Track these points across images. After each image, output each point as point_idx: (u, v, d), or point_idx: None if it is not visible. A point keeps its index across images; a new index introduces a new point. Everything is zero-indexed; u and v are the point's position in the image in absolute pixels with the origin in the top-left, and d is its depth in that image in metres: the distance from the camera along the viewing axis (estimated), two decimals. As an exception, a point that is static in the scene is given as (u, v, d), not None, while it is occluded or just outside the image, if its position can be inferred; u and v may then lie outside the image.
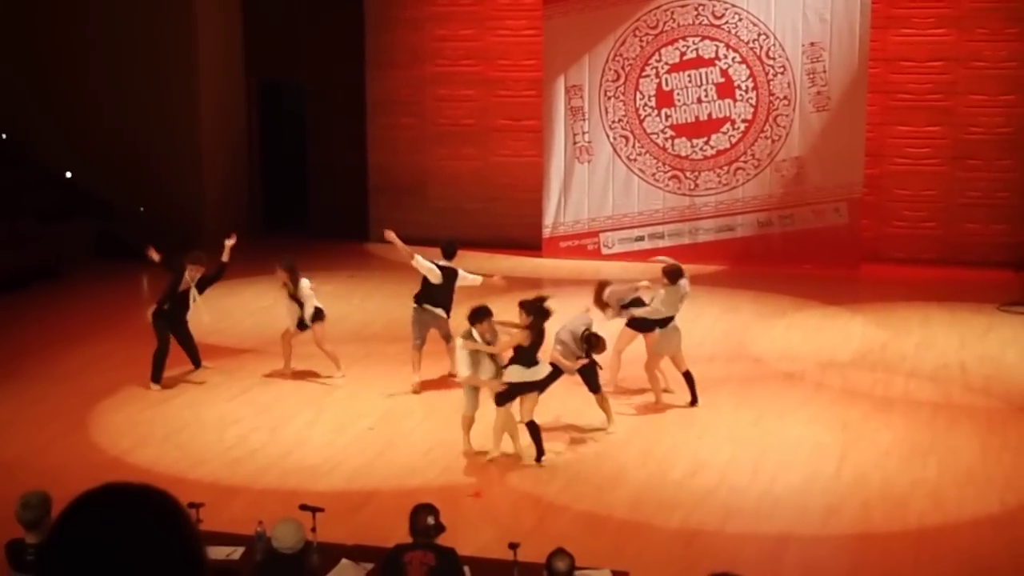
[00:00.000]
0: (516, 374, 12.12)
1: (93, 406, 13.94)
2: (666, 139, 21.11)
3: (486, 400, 12.34)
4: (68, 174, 22.43)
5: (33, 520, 7.78)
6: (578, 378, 12.86)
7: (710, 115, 20.95)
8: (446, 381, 14.66)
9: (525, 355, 12.16)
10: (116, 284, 19.72)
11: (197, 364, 14.98)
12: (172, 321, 14.63)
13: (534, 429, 12.12)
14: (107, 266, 20.58)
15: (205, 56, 22.43)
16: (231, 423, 13.32)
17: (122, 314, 18.04)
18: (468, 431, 12.45)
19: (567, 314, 13.25)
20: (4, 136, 22.72)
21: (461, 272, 14.68)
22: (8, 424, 13.45)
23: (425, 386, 14.49)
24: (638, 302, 13.79)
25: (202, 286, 14.59)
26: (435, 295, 14.52)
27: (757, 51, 20.61)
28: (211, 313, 15.18)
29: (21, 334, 17.03)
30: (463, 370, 12.46)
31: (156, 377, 14.46)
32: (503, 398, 12.14)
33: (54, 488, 8.10)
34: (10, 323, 17.56)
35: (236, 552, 8.98)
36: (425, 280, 14.50)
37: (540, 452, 12.16)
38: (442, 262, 14.62)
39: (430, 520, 8.15)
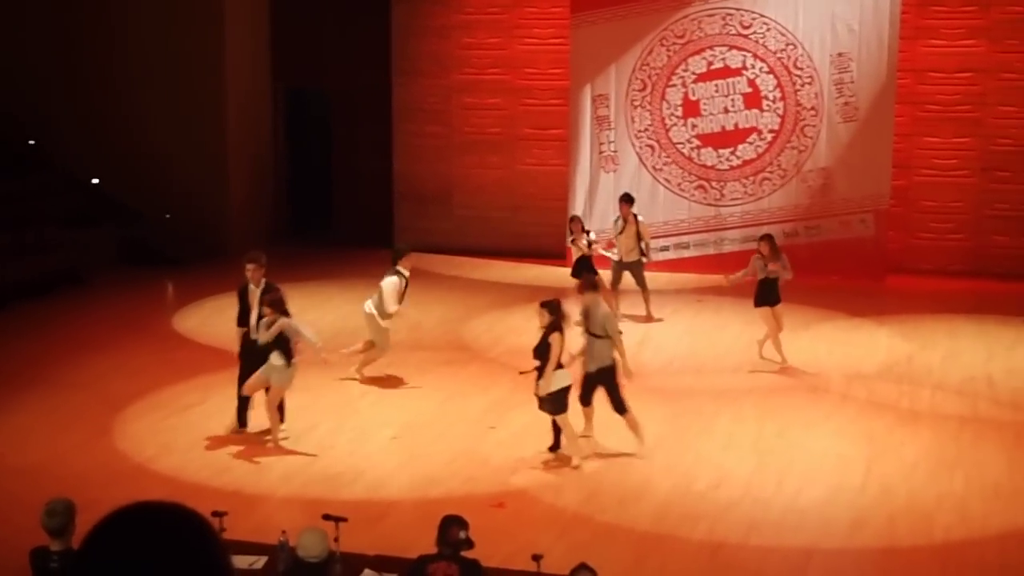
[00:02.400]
0: (563, 379, 12.20)
1: (117, 413, 13.95)
2: (692, 149, 21.05)
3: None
4: (94, 180, 22.51)
5: (58, 527, 7.77)
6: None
7: (736, 125, 20.89)
8: (467, 391, 14.67)
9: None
10: (141, 290, 19.77)
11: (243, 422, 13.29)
12: (249, 351, 13.12)
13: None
14: (132, 272, 20.63)
15: (232, 63, 22.48)
16: (254, 431, 13.30)
17: (146, 320, 18.08)
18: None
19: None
20: (32, 142, 22.81)
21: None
22: (32, 430, 13.47)
23: (448, 394, 14.50)
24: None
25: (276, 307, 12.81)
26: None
27: (785, 61, 20.55)
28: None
29: (45, 340, 17.07)
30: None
31: (240, 420, 13.26)
32: (560, 408, 12.20)
33: (78, 495, 8.11)
34: (34, 328, 17.61)
35: (259, 561, 8.97)
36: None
37: (556, 444, 12.43)
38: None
39: (462, 535, 8.09)
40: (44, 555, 7.92)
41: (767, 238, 15.81)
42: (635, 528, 10.96)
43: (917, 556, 10.46)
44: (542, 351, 12.19)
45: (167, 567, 2.32)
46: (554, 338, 12.14)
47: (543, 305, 12.37)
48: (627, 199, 18.20)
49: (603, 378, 12.52)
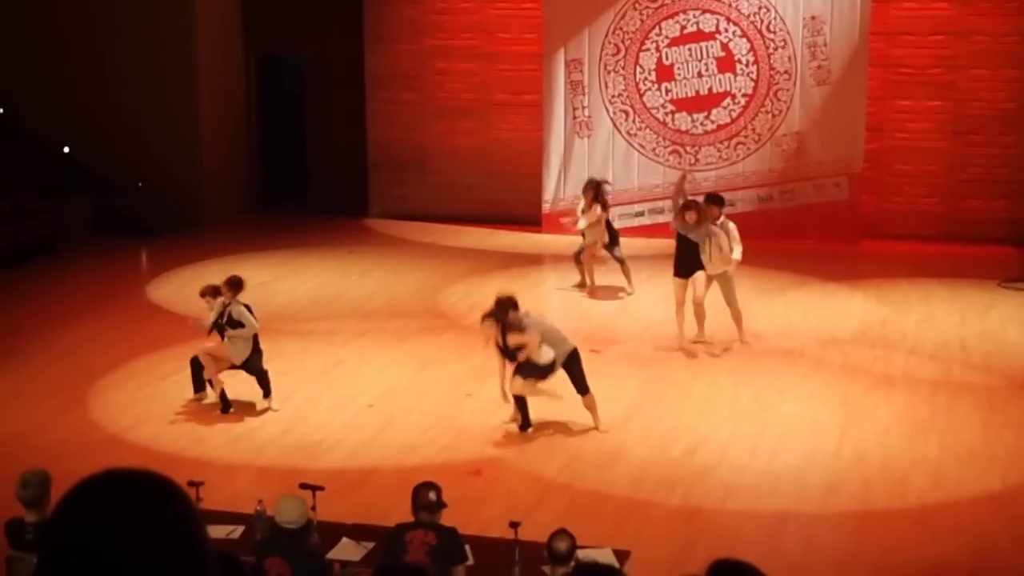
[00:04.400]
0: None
1: (92, 383, 13.91)
2: (666, 114, 21.03)
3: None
4: (66, 149, 22.35)
5: (33, 499, 7.76)
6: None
7: (710, 89, 20.87)
8: (444, 358, 14.67)
9: None
10: (115, 260, 19.68)
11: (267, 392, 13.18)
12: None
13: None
14: (105, 242, 20.53)
15: (204, 30, 22.32)
16: (230, 400, 13.27)
17: (121, 290, 18.01)
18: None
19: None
20: (1, 110, 22.63)
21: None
22: (6, 401, 13.42)
23: (425, 362, 14.50)
24: None
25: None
26: None
27: (758, 24, 20.52)
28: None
29: (19, 310, 16.99)
30: None
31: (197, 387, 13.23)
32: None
33: (53, 466, 8.10)
34: (8, 299, 17.52)
35: (236, 531, 8.97)
36: None
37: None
38: None
39: (432, 495, 8.14)
40: (19, 527, 7.92)
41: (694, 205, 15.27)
42: (612, 494, 11.00)
43: (891, 520, 10.53)
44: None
45: (138, 533, 2.31)
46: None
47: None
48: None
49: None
